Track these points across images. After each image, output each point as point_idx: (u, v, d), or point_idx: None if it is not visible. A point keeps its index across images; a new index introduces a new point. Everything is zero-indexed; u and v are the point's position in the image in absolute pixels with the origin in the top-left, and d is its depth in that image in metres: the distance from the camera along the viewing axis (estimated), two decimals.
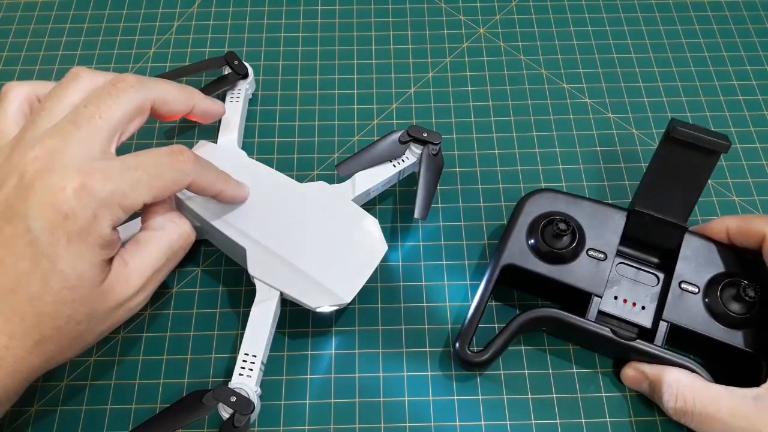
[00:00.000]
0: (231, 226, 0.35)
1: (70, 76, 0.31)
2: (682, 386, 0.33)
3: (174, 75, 0.43)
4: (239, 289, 0.39)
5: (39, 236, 0.27)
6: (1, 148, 0.30)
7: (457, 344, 0.35)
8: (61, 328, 0.28)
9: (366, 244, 0.36)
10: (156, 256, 0.31)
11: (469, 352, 0.34)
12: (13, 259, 0.27)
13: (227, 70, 0.44)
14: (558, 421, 0.35)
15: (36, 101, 0.32)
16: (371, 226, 0.36)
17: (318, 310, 0.34)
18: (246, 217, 0.36)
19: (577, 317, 0.35)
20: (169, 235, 0.32)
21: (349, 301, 0.34)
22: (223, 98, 0.43)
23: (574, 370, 0.37)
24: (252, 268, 0.35)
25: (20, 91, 0.32)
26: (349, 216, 0.37)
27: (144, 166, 0.29)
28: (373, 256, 0.35)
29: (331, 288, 0.34)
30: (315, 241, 0.35)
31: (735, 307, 0.34)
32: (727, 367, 0.35)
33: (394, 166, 0.39)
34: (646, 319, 0.35)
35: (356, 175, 0.38)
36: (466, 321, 0.35)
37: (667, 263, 0.37)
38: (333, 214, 0.36)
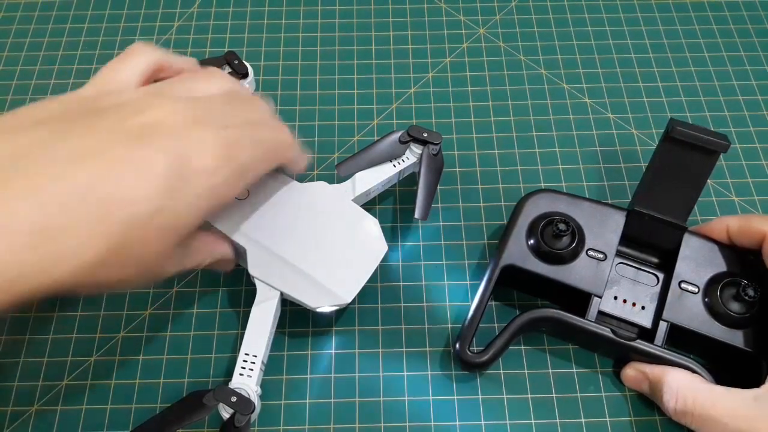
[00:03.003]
0: (231, 226, 0.35)
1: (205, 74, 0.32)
2: (683, 387, 0.33)
3: None
4: (239, 289, 0.39)
5: (168, 171, 0.26)
6: (129, 89, 0.30)
7: (458, 345, 0.35)
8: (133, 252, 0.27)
9: (366, 244, 0.36)
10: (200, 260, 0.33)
11: (469, 352, 0.34)
12: (132, 181, 0.26)
13: (227, 70, 0.44)
14: (558, 421, 0.35)
15: (158, 73, 0.32)
16: (371, 226, 0.36)
17: (318, 310, 0.34)
18: (246, 217, 0.36)
19: (577, 317, 0.35)
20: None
21: (349, 301, 0.34)
22: None
23: (574, 370, 0.37)
24: (252, 268, 0.35)
25: (149, 58, 0.32)
26: (349, 216, 0.37)
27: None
28: (373, 256, 0.35)
29: (331, 288, 0.34)
30: (315, 241, 0.35)
31: (735, 306, 0.34)
32: (727, 367, 0.35)
33: (394, 166, 0.39)
34: (646, 319, 0.35)
35: (356, 175, 0.38)
36: (466, 321, 0.35)
37: (666, 263, 0.37)
38: (333, 214, 0.36)
